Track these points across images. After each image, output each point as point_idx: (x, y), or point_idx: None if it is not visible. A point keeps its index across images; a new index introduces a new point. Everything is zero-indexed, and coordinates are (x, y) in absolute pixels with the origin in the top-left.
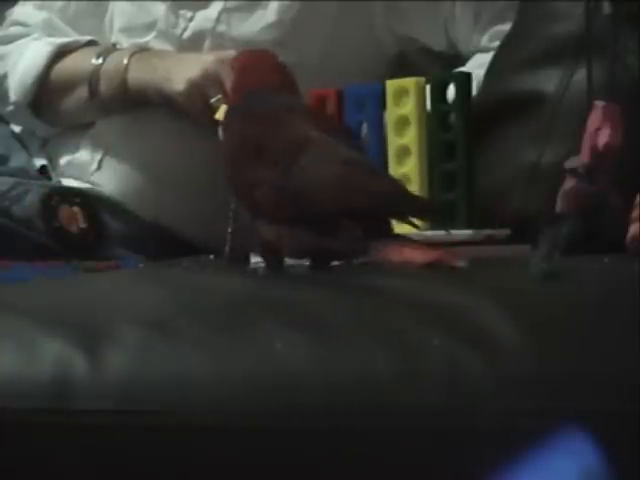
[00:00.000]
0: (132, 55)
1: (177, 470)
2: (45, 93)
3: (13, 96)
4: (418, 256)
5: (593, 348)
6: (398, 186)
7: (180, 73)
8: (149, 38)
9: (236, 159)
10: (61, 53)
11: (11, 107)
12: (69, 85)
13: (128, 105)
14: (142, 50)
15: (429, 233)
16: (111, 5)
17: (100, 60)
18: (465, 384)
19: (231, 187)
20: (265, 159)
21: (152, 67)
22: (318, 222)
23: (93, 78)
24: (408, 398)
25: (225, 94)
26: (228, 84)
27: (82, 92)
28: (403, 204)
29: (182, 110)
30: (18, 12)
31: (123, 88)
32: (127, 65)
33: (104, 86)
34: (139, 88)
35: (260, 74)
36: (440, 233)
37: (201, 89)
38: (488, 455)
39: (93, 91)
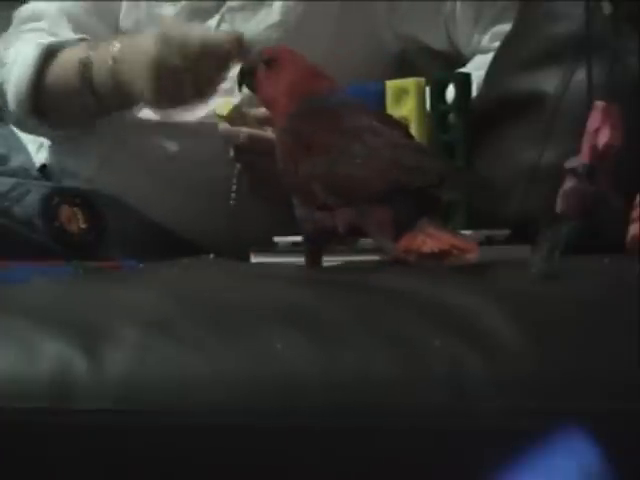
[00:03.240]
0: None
1: (177, 470)
2: (44, 100)
3: (12, 105)
4: (427, 245)
5: (593, 348)
6: (450, 164)
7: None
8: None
9: (291, 153)
10: (51, 54)
11: (14, 117)
12: (65, 89)
13: (122, 101)
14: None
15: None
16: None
17: (89, 56)
18: (465, 384)
19: (285, 180)
20: (319, 151)
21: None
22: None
23: (86, 80)
24: (408, 398)
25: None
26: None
27: (80, 96)
28: (456, 180)
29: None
30: (30, 6)
31: (115, 83)
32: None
33: (98, 85)
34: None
35: (308, 78)
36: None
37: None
38: (488, 455)
39: (89, 91)
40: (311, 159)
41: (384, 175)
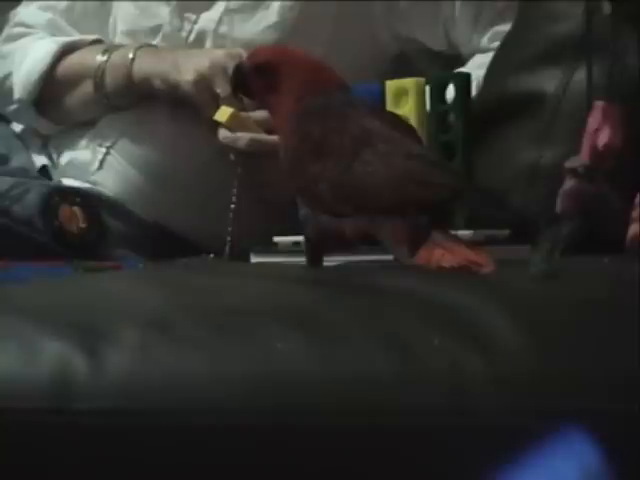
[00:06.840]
0: (138, 49)
1: (177, 470)
2: (50, 90)
3: (17, 94)
4: (446, 260)
5: (593, 348)
6: (461, 178)
7: (189, 63)
8: (154, 42)
9: (298, 155)
10: (66, 51)
11: (15, 105)
12: (74, 81)
13: (133, 99)
14: (148, 45)
15: None
16: (115, 8)
17: (105, 57)
18: (465, 384)
19: (290, 182)
20: (328, 154)
21: (160, 58)
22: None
23: (98, 72)
24: (408, 398)
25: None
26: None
27: (87, 87)
28: (468, 195)
29: (187, 100)
30: (22, 13)
31: (129, 80)
32: (133, 58)
33: (109, 79)
34: (145, 78)
35: (315, 75)
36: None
37: (209, 80)
38: (488, 455)
39: (98, 85)
40: (320, 162)
41: (398, 188)
